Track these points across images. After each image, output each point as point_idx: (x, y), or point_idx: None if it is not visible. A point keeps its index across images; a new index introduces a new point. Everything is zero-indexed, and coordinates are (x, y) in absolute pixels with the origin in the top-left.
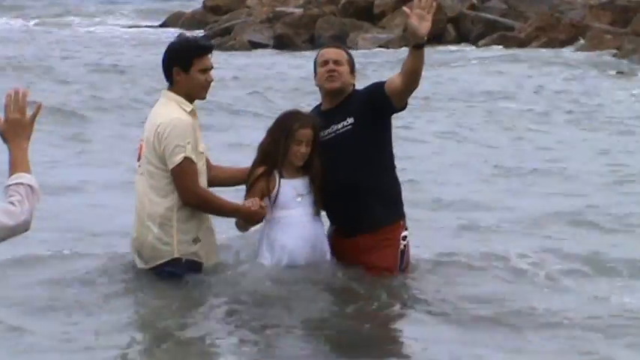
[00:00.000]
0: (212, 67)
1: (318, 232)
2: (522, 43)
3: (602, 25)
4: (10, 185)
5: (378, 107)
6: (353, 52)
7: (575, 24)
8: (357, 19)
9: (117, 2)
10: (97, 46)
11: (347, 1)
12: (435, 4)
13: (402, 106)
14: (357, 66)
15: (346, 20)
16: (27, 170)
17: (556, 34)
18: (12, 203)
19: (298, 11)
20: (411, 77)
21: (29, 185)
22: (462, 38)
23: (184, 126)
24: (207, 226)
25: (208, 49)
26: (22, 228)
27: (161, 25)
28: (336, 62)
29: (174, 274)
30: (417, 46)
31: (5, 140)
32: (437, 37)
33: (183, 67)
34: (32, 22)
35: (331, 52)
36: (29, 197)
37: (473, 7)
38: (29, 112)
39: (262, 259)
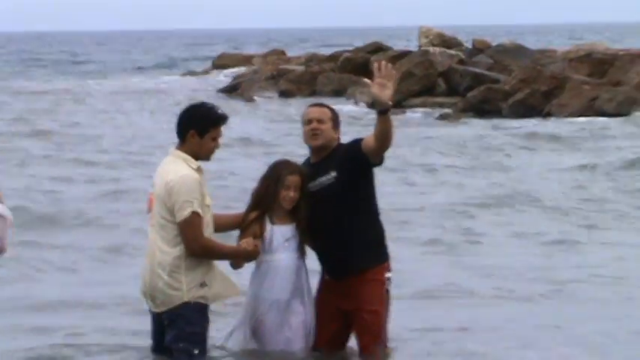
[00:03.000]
0: (222, 135)
1: (301, 273)
2: (507, 95)
3: (581, 76)
4: None
5: (356, 163)
6: (352, 106)
7: (555, 76)
8: (355, 74)
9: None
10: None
11: (345, 58)
12: (394, 72)
13: (379, 162)
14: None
15: (344, 76)
16: None
17: (538, 85)
18: None
19: (300, 69)
20: (382, 139)
21: None
22: (451, 91)
23: (192, 182)
24: (213, 270)
25: (224, 121)
26: None
27: None
28: (319, 121)
29: (184, 317)
30: (382, 112)
31: None
32: (429, 90)
33: (199, 132)
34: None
35: (315, 111)
36: None
37: (461, 61)
38: None
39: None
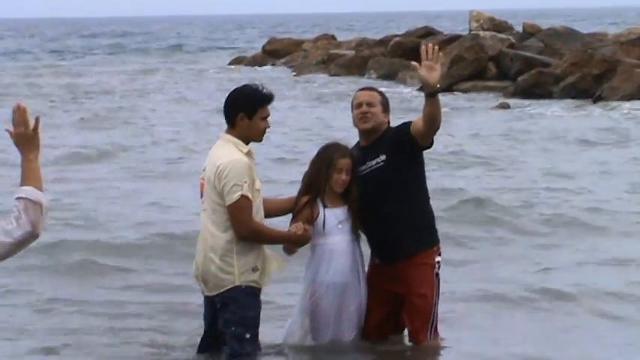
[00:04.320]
0: (270, 114)
1: (357, 256)
2: (558, 78)
3: (632, 59)
4: (15, 199)
5: (405, 146)
6: (402, 89)
7: (606, 59)
8: (405, 58)
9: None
10: None
11: (395, 42)
12: (441, 54)
13: (428, 145)
14: (404, 102)
15: (395, 60)
16: (33, 182)
17: (590, 69)
18: (11, 221)
19: (350, 53)
20: (430, 121)
21: (27, 198)
22: (502, 75)
23: (242, 166)
24: (264, 254)
25: (271, 99)
26: (25, 241)
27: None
28: (369, 104)
29: (236, 301)
30: (431, 94)
31: (19, 151)
32: (479, 74)
33: (248, 114)
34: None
35: (364, 95)
36: (28, 210)
37: (512, 45)
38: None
39: (303, 302)
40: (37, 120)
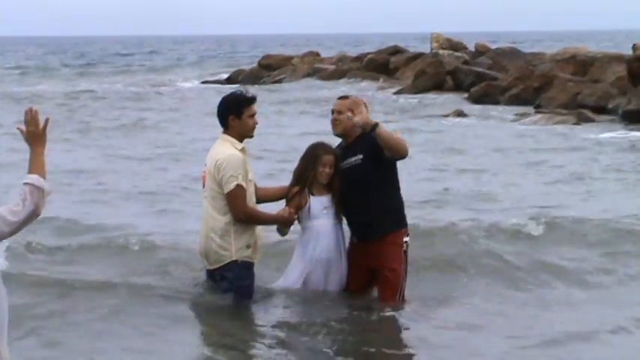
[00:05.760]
0: (256, 113)
1: (339, 236)
2: (504, 90)
3: (566, 75)
4: (22, 184)
5: (378, 154)
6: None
7: (544, 74)
8: (377, 72)
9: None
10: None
11: (369, 58)
12: (365, 103)
13: (399, 159)
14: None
15: (368, 74)
16: (38, 171)
17: (530, 82)
18: (18, 203)
19: (331, 67)
20: (389, 150)
21: (33, 184)
22: (457, 86)
23: (237, 160)
24: (256, 233)
25: (254, 100)
26: (29, 219)
27: (226, 80)
28: (339, 112)
29: (233, 273)
30: (372, 130)
31: (29, 146)
32: (439, 86)
33: (237, 115)
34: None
35: (335, 104)
36: (33, 194)
37: (466, 62)
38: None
39: (292, 270)
40: (46, 121)
